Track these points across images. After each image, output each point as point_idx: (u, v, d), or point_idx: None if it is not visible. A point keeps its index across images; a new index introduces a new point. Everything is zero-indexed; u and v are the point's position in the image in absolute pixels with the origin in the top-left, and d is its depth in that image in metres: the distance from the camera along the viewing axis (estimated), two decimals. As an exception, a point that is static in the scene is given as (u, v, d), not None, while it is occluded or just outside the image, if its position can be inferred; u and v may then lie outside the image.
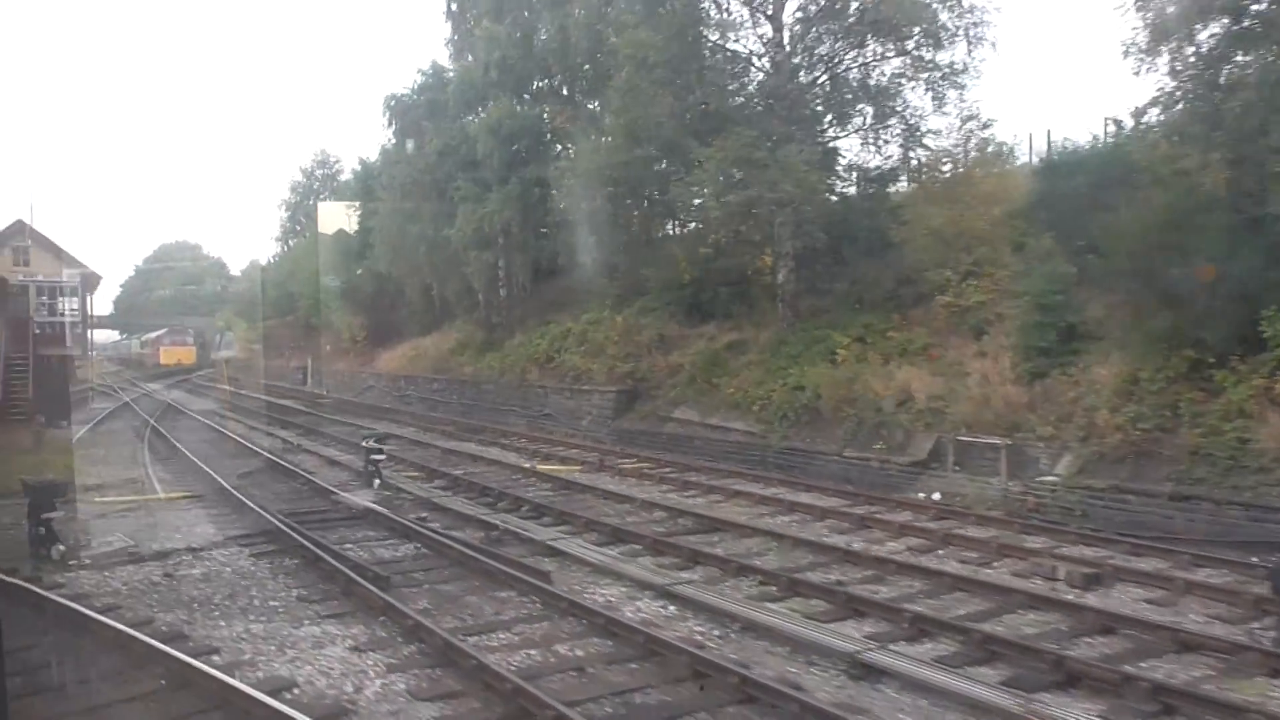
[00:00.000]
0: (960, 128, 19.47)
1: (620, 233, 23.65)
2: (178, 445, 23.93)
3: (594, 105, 28.92)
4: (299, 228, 72.07)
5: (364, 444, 17.20)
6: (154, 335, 67.98)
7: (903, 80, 20.48)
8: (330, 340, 51.70)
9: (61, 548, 11.63)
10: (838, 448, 17.47)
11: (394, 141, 35.74)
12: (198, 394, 49.06)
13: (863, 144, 21.19)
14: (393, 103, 34.73)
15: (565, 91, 30.92)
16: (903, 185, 22.23)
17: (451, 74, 34.77)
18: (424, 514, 14.41)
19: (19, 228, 29.67)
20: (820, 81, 21.03)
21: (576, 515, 13.96)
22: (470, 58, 32.85)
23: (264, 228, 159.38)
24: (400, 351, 40.98)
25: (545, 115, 30.08)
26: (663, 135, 20.73)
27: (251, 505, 14.79)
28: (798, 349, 20.31)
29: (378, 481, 16.67)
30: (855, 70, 20.86)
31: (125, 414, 35.21)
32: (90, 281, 30.85)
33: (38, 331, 29.32)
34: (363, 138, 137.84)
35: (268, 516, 13.87)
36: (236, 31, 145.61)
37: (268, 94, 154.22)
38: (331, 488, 16.86)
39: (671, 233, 26.89)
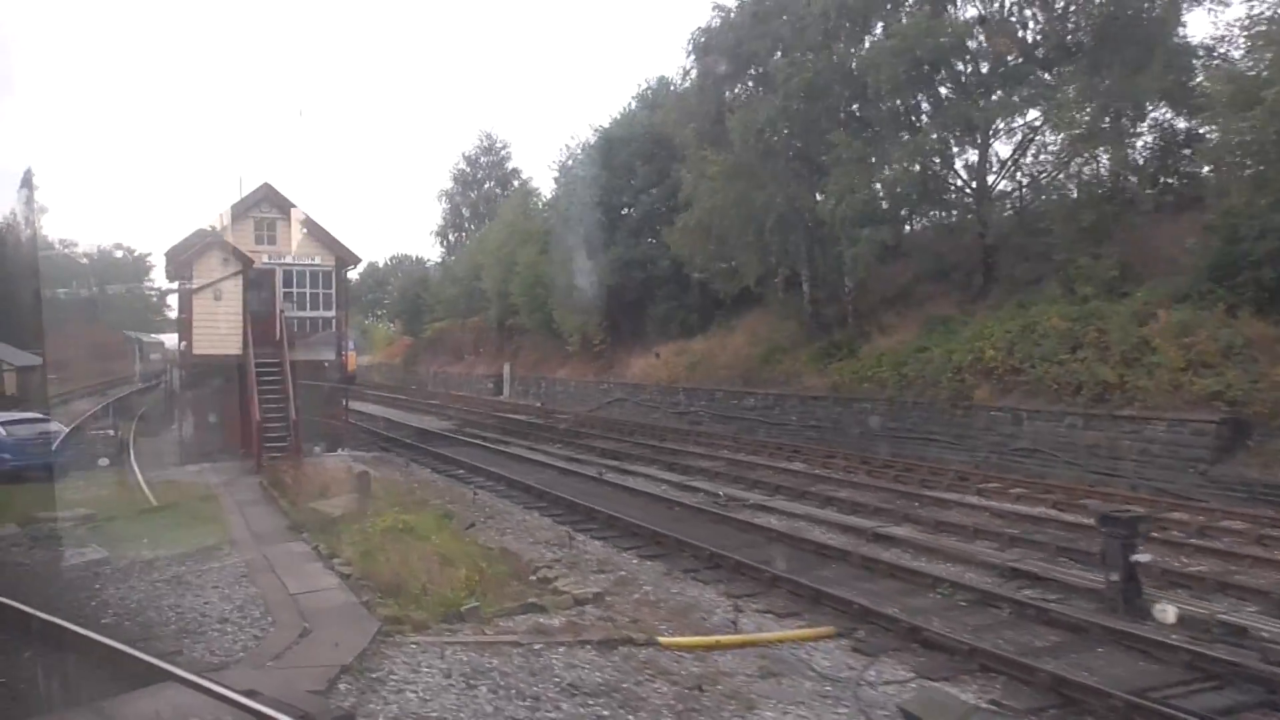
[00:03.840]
0: None
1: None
2: (538, 488, 16.63)
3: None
4: (465, 217, 65.52)
5: (1102, 528, 9.19)
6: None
7: None
8: (541, 343, 44.45)
9: None
10: None
11: (700, 85, 27.77)
12: (400, 406, 42.43)
13: None
14: (703, 38, 26.98)
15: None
16: None
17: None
18: None
19: (265, 193, 22.77)
20: None
21: None
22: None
23: (374, 229, 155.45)
24: (662, 357, 33.28)
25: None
26: None
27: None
28: None
29: (1163, 608, 8.69)
30: None
31: (361, 435, 28.27)
32: (345, 263, 23.82)
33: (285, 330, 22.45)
34: (526, 118, 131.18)
35: None
36: (332, 30, 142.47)
37: (377, 94, 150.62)
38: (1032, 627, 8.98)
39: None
